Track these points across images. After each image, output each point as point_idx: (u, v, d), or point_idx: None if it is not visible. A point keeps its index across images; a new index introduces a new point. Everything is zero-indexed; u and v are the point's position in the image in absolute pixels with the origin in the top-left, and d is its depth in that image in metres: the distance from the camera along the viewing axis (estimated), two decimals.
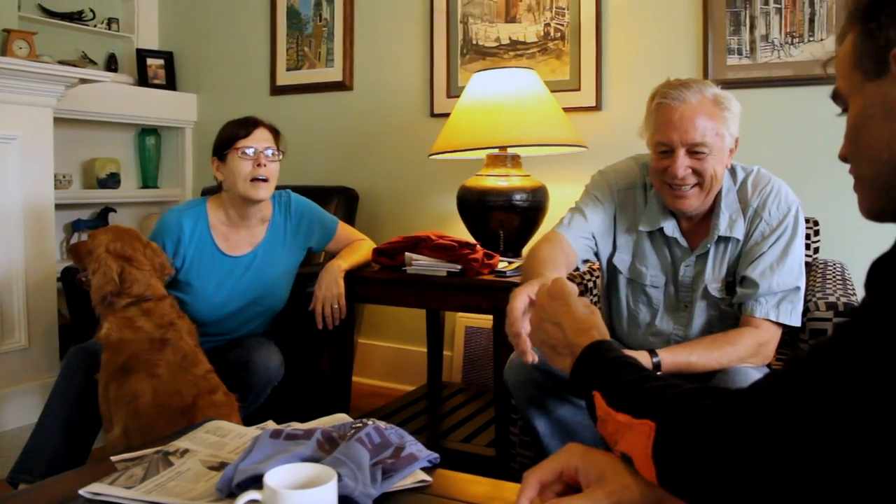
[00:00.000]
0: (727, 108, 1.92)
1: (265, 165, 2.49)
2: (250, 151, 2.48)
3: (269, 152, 2.52)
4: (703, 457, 0.80)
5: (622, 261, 2.17)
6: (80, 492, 1.27)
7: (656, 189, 2.07)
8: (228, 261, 2.57)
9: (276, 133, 2.59)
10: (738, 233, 2.01)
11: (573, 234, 2.13)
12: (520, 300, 1.60)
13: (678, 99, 1.90)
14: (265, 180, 2.50)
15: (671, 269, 2.11)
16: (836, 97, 0.90)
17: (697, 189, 1.97)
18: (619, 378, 1.01)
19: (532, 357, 1.58)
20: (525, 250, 3.03)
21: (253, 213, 2.59)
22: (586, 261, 2.22)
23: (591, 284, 2.54)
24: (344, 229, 2.82)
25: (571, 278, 2.38)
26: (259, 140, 2.51)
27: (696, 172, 1.94)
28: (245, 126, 2.51)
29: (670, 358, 1.87)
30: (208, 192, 2.68)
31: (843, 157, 0.92)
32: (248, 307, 2.60)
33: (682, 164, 1.92)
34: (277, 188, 2.76)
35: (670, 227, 2.08)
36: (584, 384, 1.07)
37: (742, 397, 0.80)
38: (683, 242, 2.07)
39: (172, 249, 2.50)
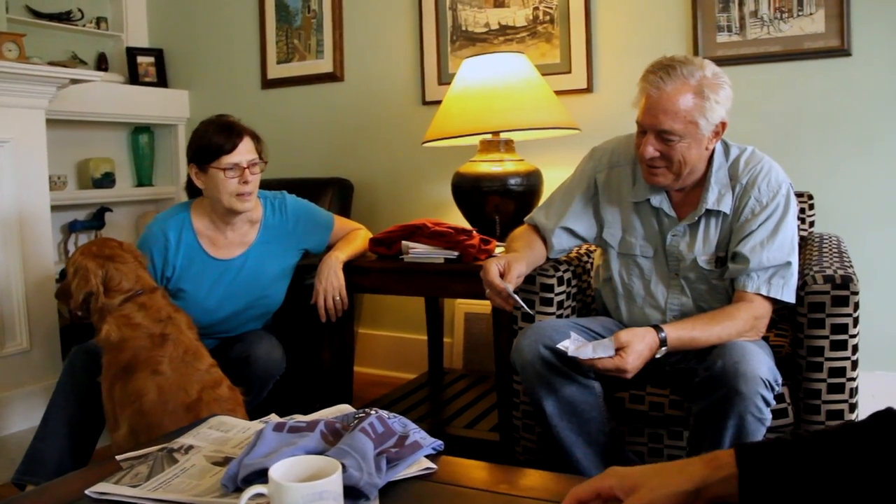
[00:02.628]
0: (709, 96, 1.93)
1: (249, 181, 2.43)
2: (236, 168, 2.40)
3: (254, 164, 2.45)
4: None
5: (612, 235, 2.22)
6: (87, 492, 1.27)
7: (638, 161, 2.11)
8: (218, 264, 2.53)
9: (257, 139, 2.51)
10: (726, 207, 2.05)
11: (549, 227, 2.27)
12: (493, 265, 2.03)
13: (654, 85, 1.95)
14: (250, 193, 2.45)
15: (659, 237, 2.15)
16: None
17: (666, 169, 2.02)
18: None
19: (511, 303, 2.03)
20: None
21: (238, 219, 2.53)
22: (564, 251, 2.35)
23: (588, 266, 2.54)
24: (340, 223, 2.79)
25: (569, 260, 2.39)
26: (244, 153, 2.41)
27: (664, 156, 1.99)
28: (229, 137, 2.40)
29: (675, 333, 1.89)
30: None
31: None
32: (243, 311, 2.57)
33: (651, 146, 1.99)
34: (272, 187, 2.74)
35: (657, 199, 2.13)
36: None
37: None
38: (671, 212, 2.12)
39: (161, 259, 2.48)
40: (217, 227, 2.54)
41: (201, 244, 2.52)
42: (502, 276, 2.02)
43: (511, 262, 2.05)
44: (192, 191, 2.60)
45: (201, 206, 2.55)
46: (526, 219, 2.38)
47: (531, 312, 2.19)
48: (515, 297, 2.00)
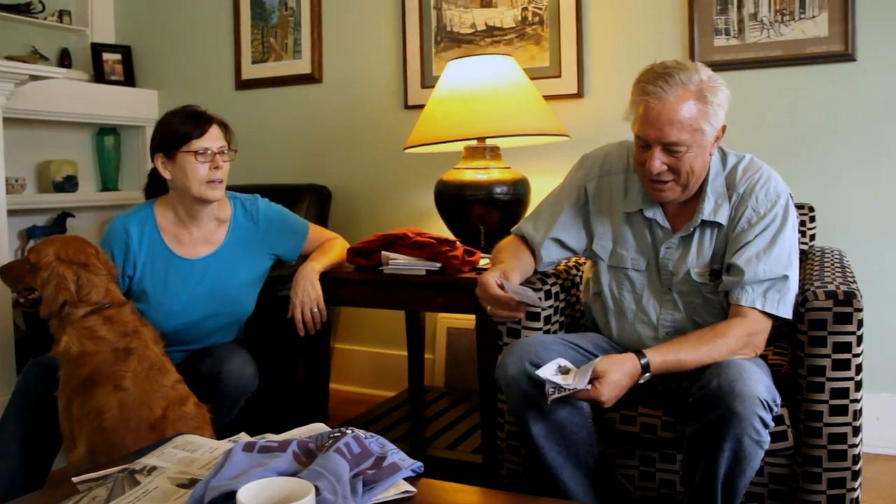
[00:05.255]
0: (711, 100, 1.94)
1: (220, 167, 2.46)
2: (206, 153, 2.43)
3: (223, 151, 2.49)
4: None
5: (602, 247, 2.22)
6: None
7: (639, 177, 2.11)
8: (183, 263, 2.53)
9: (226, 128, 2.55)
10: (723, 217, 2.05)
11: (538, 238, 2.27)
12: (491, 278, 2.02)
13: (655, 96, 1.92)
14: (220, 181, 2.48)
15: (651, 250, 2.15)
16: None
17: (674, 183, 2.02)
18: None
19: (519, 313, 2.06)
20: None
21: (204, 213, 2.55)
22: (554, 263, 2.35)
23: (577, 279, 2.53)
24: (315, 231, 2.79)
25: (556, 273, 2.39)
26: (213, 139, 2.46)
27: (672, 169, 1.98)
28: (198, 123, 2.45)
29: (658, 357, 1.89)
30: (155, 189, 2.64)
31: None
32: (211, 317, 2.56)
33: (658, 160, 1.97)
34: (245, 190, 2.74)
35: (651, 210, 2.13)
36: None
37: None
38: (665, 224, 2.12)
39: (122, 256, 2.48)
40: (182, 223, 2.55)
41: (165, 241, 2.52)
42: (500, 288, 2.02)
43: (507, 272, 2.07)
44: (151, 191, 2.62)
45: (165, 203, 2.56)
46: (513, 229, 2.37)
47: (540, 308, 2.18)
48: (527, 293, 1.99)
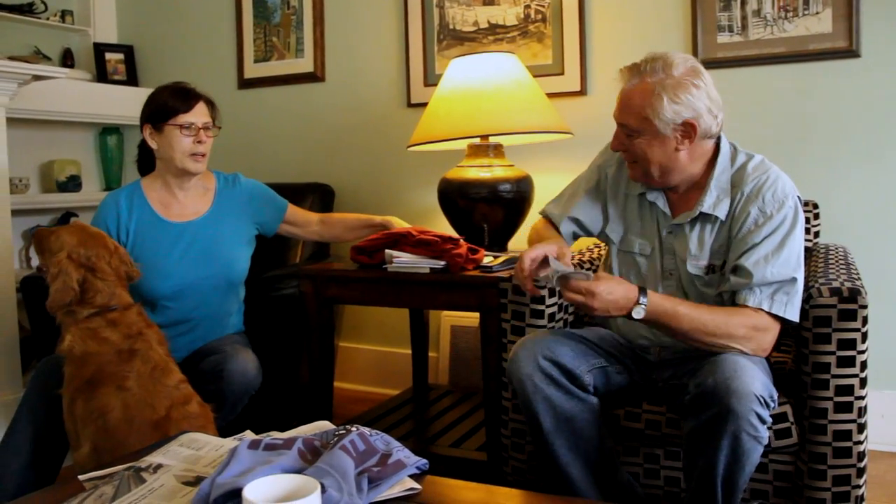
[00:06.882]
0: (663, 96, 1.98)
1: (204, 141, 2.58)
2: (191, 127, 2.55)
3: (208, 127, 2.61)
4: None
5: (615, 231, 2.29)
6: None
7: None
8: (172, 227, 2.61)
9: (212, 105, 2.67)
10: (721, 212, 2.06)
11: (558, 215, 2.35)
12: (535, 251, 2.01)
13: (623, 80, 2.10)
14: (203, 154, 2.60)
15: (656, 236, 2.19)
16: None
17: (636, 165, 2.12)
18: None
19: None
20: (511, 244, 3.06)
21: (190, 183, 2.66)
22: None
23: (598, 263, 2.55)
24: (298, 209, 2.91)
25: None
26: (199, 115, 2.58)
27: (628, 150, 2.10)
28: (185, 99, 2.57)
29: (658, 300, 1.92)
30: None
31: None
32: (205, 279, 2.60)
33: (616, 138, 2.13)
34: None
35: (653, 194, 2.18)
36: None
37: None
38: (665, 209, 2.17)
39: (115, 228, 2.57)
40: (170, 191, 2.66)
41: (153, 208, 2.63)
42: (558, 258, 2.02)
43: (562, 248, 2.11)
44: (141, 162, 2.73)
45: (152, 176, 2.69)
46: (541, 211, 2.44)
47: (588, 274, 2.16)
48: (574, 273, 1.96)
